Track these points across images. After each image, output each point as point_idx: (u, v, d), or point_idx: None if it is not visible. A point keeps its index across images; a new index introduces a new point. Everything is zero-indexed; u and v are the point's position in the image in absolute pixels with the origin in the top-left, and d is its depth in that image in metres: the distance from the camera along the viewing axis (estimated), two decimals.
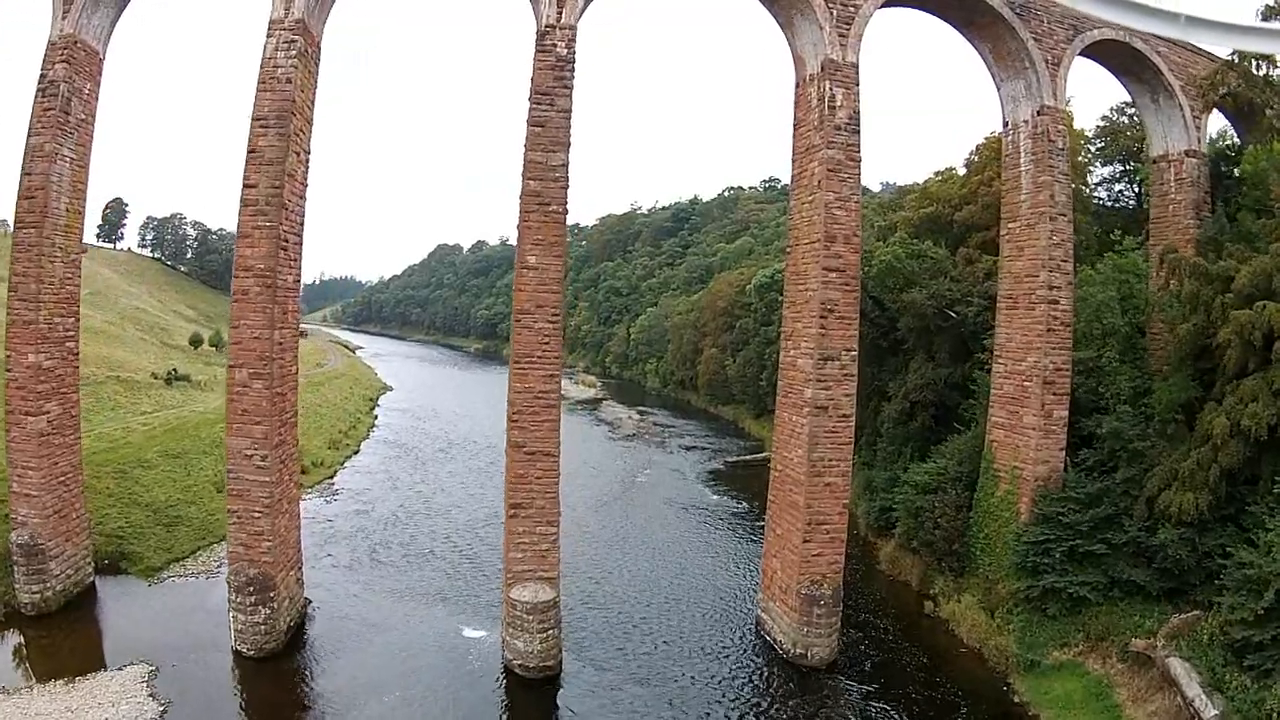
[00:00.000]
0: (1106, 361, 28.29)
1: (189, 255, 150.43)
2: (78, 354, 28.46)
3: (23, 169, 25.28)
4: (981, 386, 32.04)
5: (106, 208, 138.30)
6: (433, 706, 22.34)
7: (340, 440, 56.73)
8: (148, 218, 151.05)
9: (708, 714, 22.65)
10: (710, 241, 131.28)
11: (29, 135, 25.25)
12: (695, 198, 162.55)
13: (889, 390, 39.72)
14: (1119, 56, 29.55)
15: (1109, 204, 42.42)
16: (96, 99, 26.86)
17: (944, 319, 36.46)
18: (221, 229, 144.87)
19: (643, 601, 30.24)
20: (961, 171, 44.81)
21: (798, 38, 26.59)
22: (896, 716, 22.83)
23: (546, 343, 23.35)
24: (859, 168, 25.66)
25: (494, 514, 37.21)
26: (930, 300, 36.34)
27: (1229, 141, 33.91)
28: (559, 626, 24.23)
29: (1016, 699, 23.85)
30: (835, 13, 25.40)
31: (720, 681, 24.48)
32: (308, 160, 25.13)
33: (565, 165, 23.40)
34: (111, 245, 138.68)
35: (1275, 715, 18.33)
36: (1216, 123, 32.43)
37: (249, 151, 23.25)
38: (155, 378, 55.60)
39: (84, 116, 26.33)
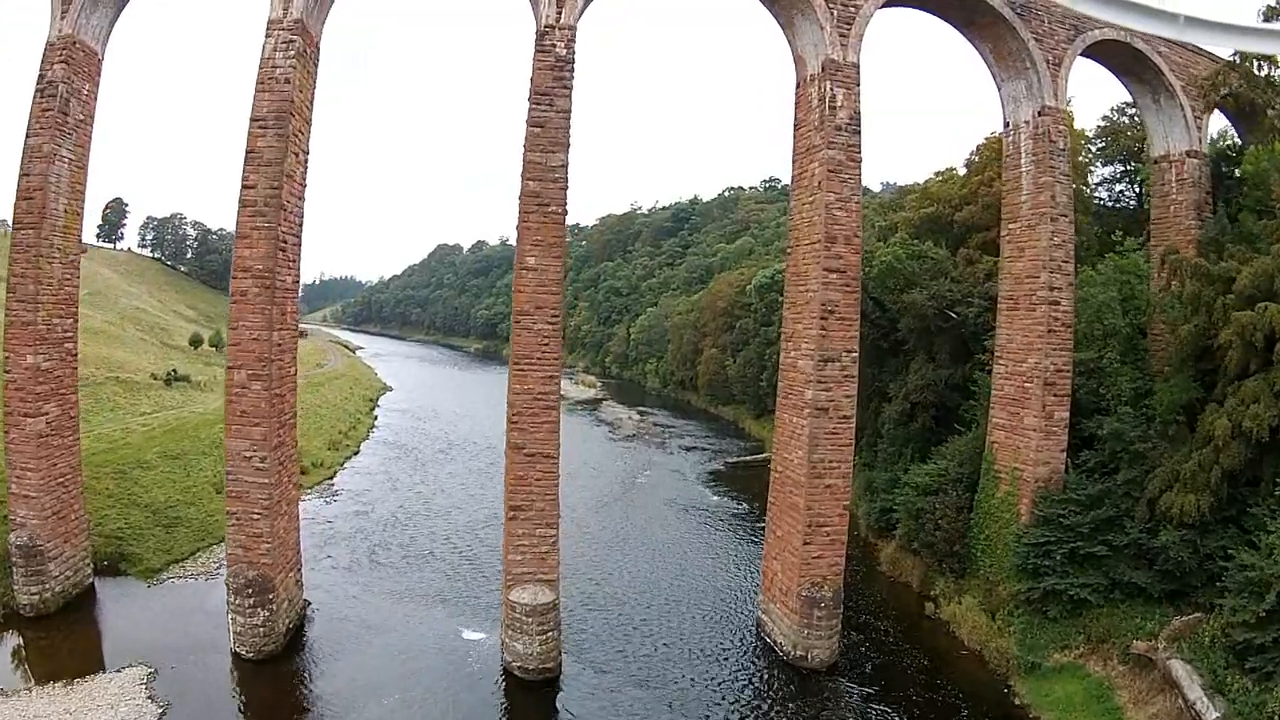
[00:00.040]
0: (1107, 363, 28.23)
1: (189, 255, 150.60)
2: (76, 355, 28.43)
3: (21, 170, 25.25)
4: (982, 387, 31.99)
5: (106, 208, 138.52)
6: (432, 709, 22.29)
7: (340, 441, 56.68)
8: (148, 218, 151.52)
9: (707, 716, 22.60)
10: (710, 241, 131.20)
11: (27, 136, 25.21)
12: (695, 198, 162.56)
13: (889, 391, 39.65)
14: (1120, 57, 29.48)
15: (1110, 204, 42.35)
16: (95, 99, 26.82)
17: (944, 320, 36.40)
18: (221, 229, 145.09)
19: (643, 603, 30.18)
20: (962, 172, 44.75)
21: (798, 38, 26.53)
22: (897, 719, 22.77)
23: (546, 344, 23.29)
24: (860, 168, 25.61)
25: (494, 515, 37.14)
26: (931, 301, 36.27)
27: (1230, 142, 33.84)
28: (558, 629, 24.18)
29: (1017, 701, 23.79)
30: (836, 13, 25.33)
31: (720, 684, 24.41)
32: (306, 161, 25.07)
33: (565, 166, 23.33)
34: (111, 245, 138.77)
35: (1277, 718, 18.31)
36: (1217, 123, 32.39)
37: (247, 152, 23.20)
38: (155, 378, 55.58)
39: (82, 117, 26.28)
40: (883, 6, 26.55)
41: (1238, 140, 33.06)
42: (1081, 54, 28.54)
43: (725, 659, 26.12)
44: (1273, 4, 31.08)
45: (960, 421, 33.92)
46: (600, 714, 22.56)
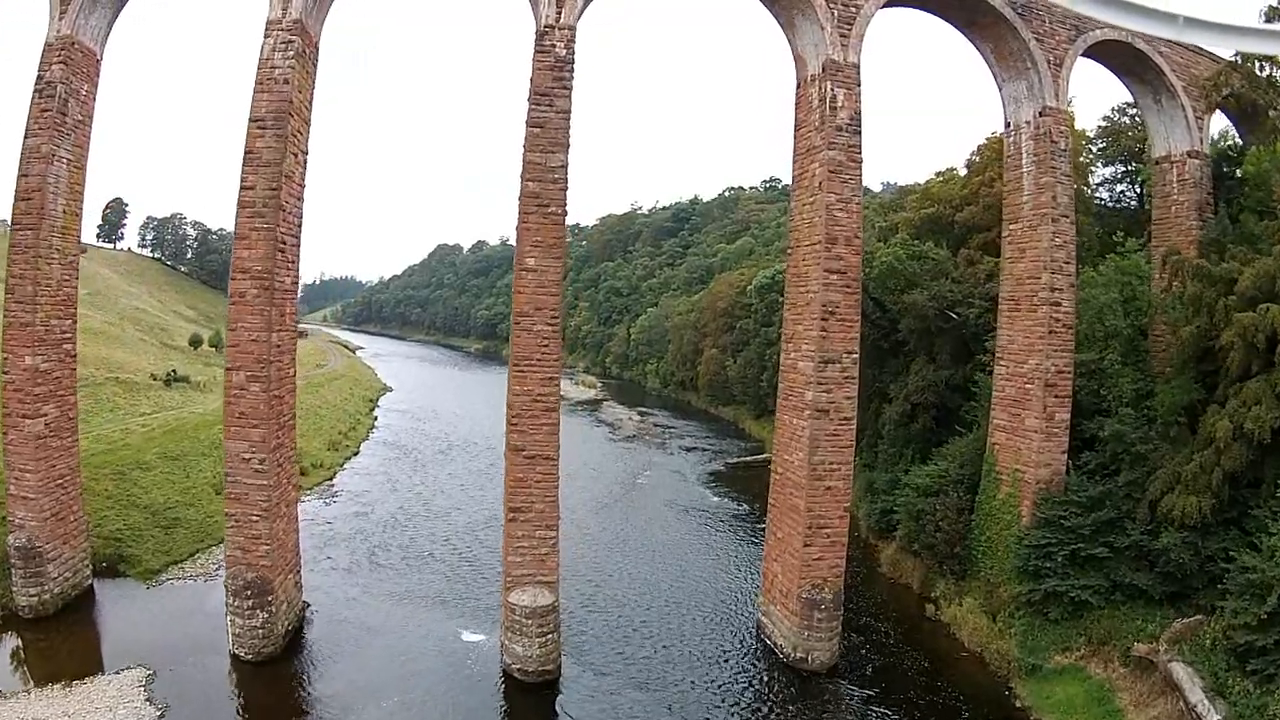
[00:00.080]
0: (1109, 364, 28.17)
1: (189, 255, 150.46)
2: (75, 356, 28.38)
3: (19, 170, 25.20)
4: (983, 389, 31.93)
5: (106, 208, 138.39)
6: (431, 711, 22.24)
7: (340, 441, 56.64)
8: (148, 218, 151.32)
9: (707, 719, 22.53)
10: (711, 242, 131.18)
11: (26, 136, 25.16)
12: (696, 198, 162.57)
13: (890, 392, 39.58)
14: (1121, 57, 29.41)
15: (1110, 205, 42.29)
16: (94, 100, 26.76)
17: (945, 320, 36.33)
18: (221, 229, 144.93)
19: (643, 605, 30.13)
20: (963, 172, 44.68)
21: (799, 38, 26.46)
22: None
23: (546, 345, 23.22)
24: (860, 169, 25.53)
25: (494, 516, 37.06)
26: (931, 302, 36.22)
27: (1230, 142, 33.77)
28: (558, 631, 24.11)
29: (1018, 703, 23.74)
30: (836, 13, 25.25)
31: (720, 686, 24.36)
32: (305, 161, 25.01)
33: (564, 166, 23.27)
34: (111, 245, 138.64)
35: None
36: (1217, 123, 32.33)
37: (246, 153, 23.14)
38: (154, 379, 55.53)
39: (81, 118, 26.23)
40: (883, 6, 26.47)
41: (1239, 141, 32.99)
42: (1083, 54, 28.47)
43: (725, 661, 26.06)
44: (1274, 4, 31.05)
45: (961, 423, 33.87)
46: (600, 716, 22.49)
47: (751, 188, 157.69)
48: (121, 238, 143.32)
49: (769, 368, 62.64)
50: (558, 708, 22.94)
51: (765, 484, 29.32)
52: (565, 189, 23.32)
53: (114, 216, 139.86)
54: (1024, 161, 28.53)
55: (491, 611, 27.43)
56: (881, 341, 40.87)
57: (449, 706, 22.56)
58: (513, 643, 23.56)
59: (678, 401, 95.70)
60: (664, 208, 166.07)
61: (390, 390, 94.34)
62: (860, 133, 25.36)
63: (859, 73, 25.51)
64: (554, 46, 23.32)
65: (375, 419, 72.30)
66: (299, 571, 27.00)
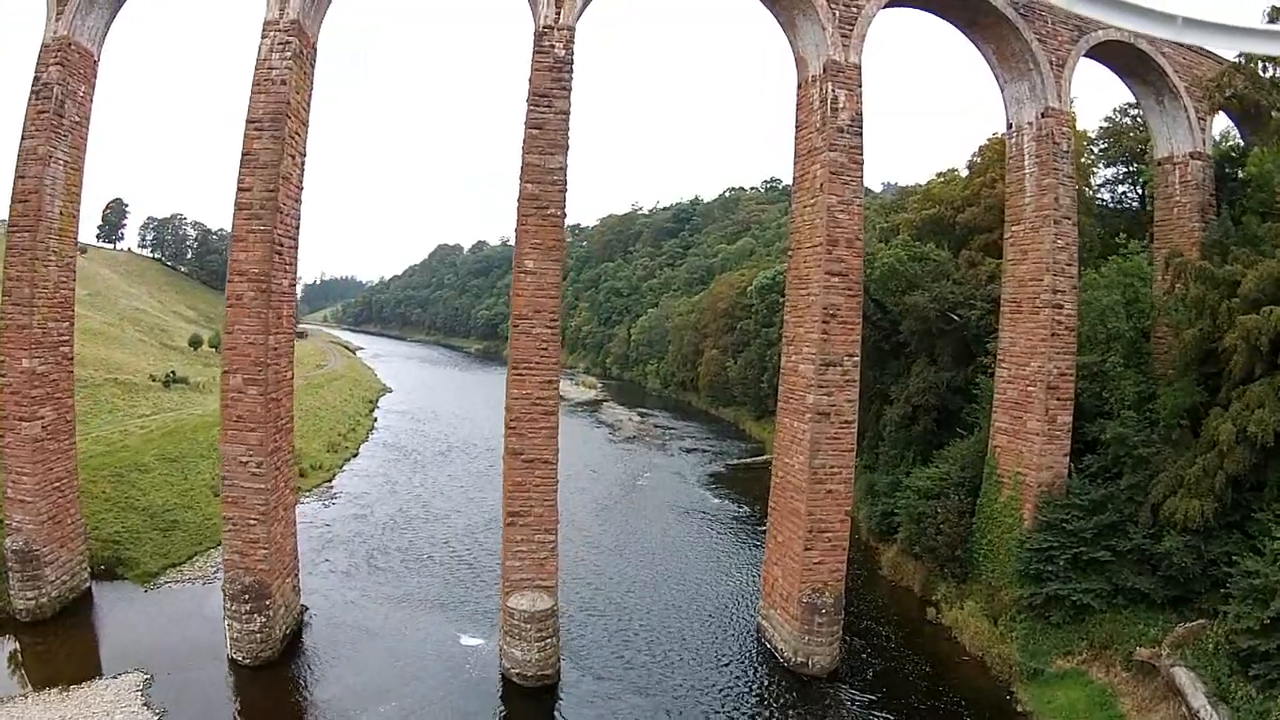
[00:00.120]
0: (1111, 366, 28.03)
1: (189, 255, 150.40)
2: (72, 359, 28.26)
3: (16, 172, 25.11)
4: (984, 391, 31.81)
5: (106, 208, 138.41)
6: (429, 715, 22.15)
7: (339, 443, 56.55)
8: (148, 218, 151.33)
9: None
10: (711, 242, 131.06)
11: (23, 138, 25.07)
12: (696, 198, 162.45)
13: (891, 394, 39.45)
14: (1124, 58, 29.28)
15: (1112, 206, 42.15)
16: (91, 101, 26.65)
17: (947, 322, 36.20)
18: (221, 229, 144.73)
19: (642, 608, 30.01)
20: (964, 173, 44.54)
21: (800, 39, 26.33)
22: None
23: (544, 348, 23.10)
24: (862, 170, 25.41)
25: (493, 519, 36.93)
26: (933, 303, 36.10)
27: (1233, 143, 33.62)
28: (557, 635, 23.99)
29: (1019, 708, 23.63)
30: (838, 13, 25.11)
31: (720, 691, 24.24)
32: (303, 163, 24.90)
33: (563, 168, 23.15)
34: (111, 246, 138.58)
35: None
36: (1218, 123, 32.18)
37: (243, 154, 23.03)
38: (153, 380, 55.44)
39: (78, 119, 26.12)
40: (885, 7, 26.34)
41: (1241, 142, 32.85)
42: (1085, 55, 28.34)
43: (725, 665, 25.94)
44: (1277, 4, 30.90)
45: (962, 425, 33.75)
46: None
47: (752, 188, 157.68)
48: (121, 238, 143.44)
49: (769, 369, 62.52)
50: (557, 713, 22.82)
51: (766, 486, 29.20)
52: (564, 191, 23.20)
53: (114, 217, 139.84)
54: (1026, 163, 28.40)
55: (491, 615, 27.34)
56: (883, 343, 40.75)
57: (447, 711, 22.46)
58: (511, 647, 23.44)
59: (678, 402, 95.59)
60: (664, 208, 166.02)
61: (390, 391, 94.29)
62: (861, 134, 25.23)
63: (860, 73, 25.38)
64: (553, 47, 23.20)
65: (375, 420, 72.22)
66: (297, 575, 26.90)
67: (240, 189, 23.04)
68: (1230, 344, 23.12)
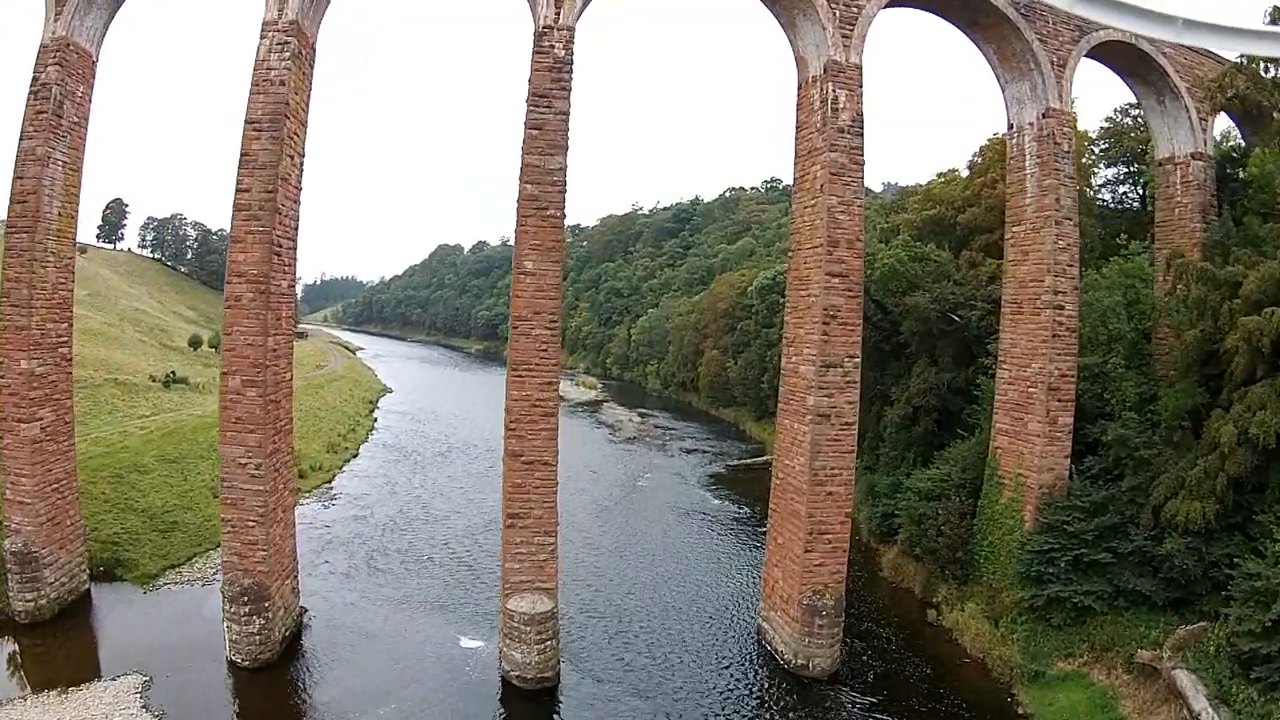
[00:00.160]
0: (1112, 367, 27.94)
1: (189, 256, 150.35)
2: (71, 360, 28.19)
3: (14, 173, 25.04)
4: (985, 392, 31.75)
5: (106, 208, 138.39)
6: (429, 718, 22.08)
7: (339, 444, 56.48)
8: (148, 218, 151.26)
9: None
10: (711, 242, 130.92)
11: (21, 138, 24.98)
12: (696, 198, 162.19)
13: (892, 395, 39.38)
14: (1125, 58, 29.21)
15: (1113, 206, 42.07)
16: (90, 101, 26.59)
17: (947, 323, 36.13)
18: (222, 229, 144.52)
19: (642, 610, 29.93)
20: (964, 173, 44.45)
21: (800, 39, 26.26)
22: None
23: (544, 349, 23.04)
24: (862, 171, 25.34)
25: (493, 520, 36.85)
26: (933, 304, 36.03)
27: (1234, 144, 33.54)
28: (557, 638, 23.91)
29: (1021, 710, 23.56)
30: (838, 13, 25.03)
31: (720, 693, 24.17)
32: (302, 164, 24.83)
33: (563, 169, 23.08)
34: (111, 246, 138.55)
35: None
36: (1219, 124, 32.09)
37: (242, 155, 22.96)
38: (153, 380, 55.36)
39: (77, 119, 26.06)
40: (885, 7, 26.25)
41: (1242, 142, 32.77)
42: (1086, 55, 28.28)
43: (725, 668, 25.87)
44: (1278, 4, 30.88)
45: (963, 426, 33.68)
46: None
47: (752, 188, 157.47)
48: (121, 238, 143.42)
49: (770, 369, 62.45)
50: (556, 715, 22.76)
51: (766, 487, 29.14)
52: (564, 191, 23.12)
53: (114, 217, 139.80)
54: (1027, 163, 28.34)
55: (490, 617, 27.27)
56: (883, 344, 40.68)
57: (447, 713, 22.39)
58: (511, 649, 23.38)
59: (678, 403, 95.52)
60: (665, 208, 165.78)
61: (390, 391, 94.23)
62: (862, 134, 25.14)
63: (861, 74, 25.29)
64: (552, 47, 23.12)
65: (375, 421, 72.15)
66: (296, 577, 26.83)
67: (239, 190, 22.96)
68: (1232, 345, 23.04)
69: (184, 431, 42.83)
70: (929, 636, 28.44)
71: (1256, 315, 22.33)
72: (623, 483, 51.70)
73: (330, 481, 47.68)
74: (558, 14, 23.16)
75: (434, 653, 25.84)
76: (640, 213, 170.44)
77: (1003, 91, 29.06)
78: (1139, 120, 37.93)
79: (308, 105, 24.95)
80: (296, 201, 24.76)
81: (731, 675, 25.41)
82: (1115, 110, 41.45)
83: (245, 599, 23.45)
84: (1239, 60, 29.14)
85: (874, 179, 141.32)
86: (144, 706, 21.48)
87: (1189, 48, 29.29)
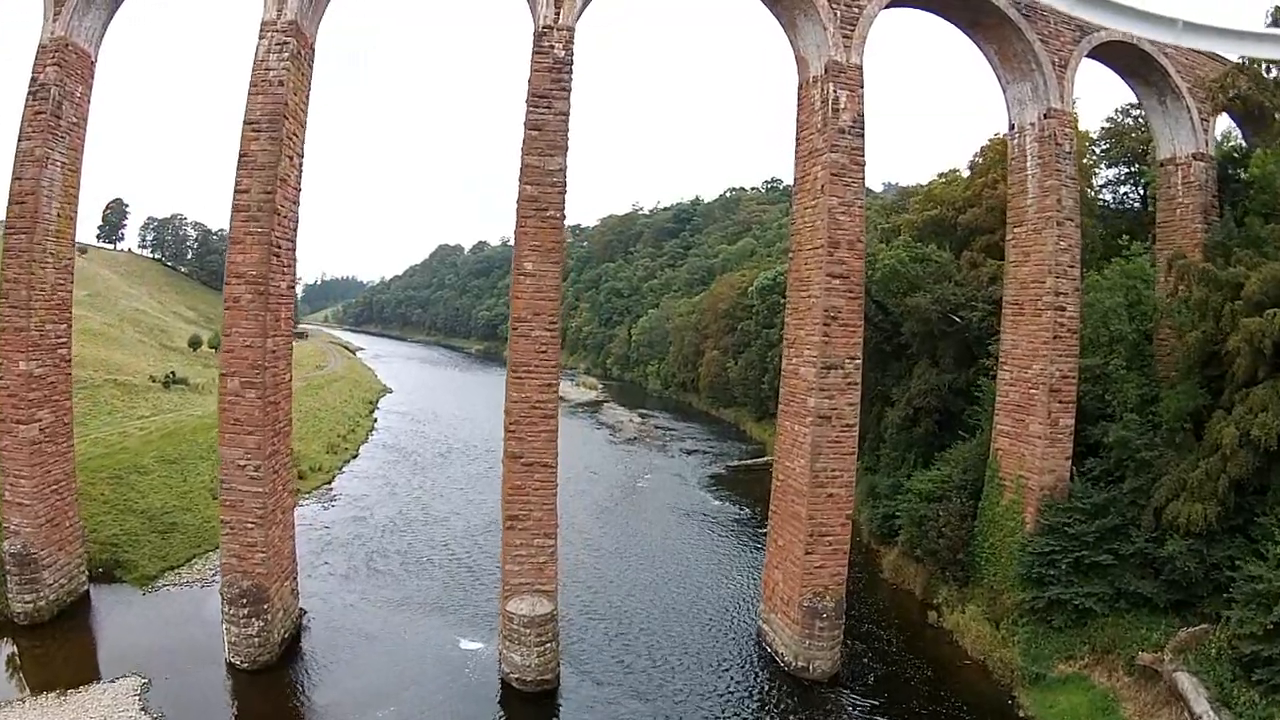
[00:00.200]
0: (1113, 369, 27.85)
1: (189, 256, 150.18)
2: (70, 361, 28.15)
3: (13, 174, 24.98)
4: (986, 393, 31.68)
5: (107, 208, 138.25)
6: None
7: (339, 444, 56.43)
8: (148, 218, 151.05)
9: None
10: (712, 243, 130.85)
11: (19, 139, 24.93)
12: (697, 198, 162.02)
13: (892, 395, 39.31)
14: (1126, 58, 29.14)
15: (1114, 206, 41.97)
16: (89, 102, 26.54)
17: (948, 324, 36.06)
18: (222, 230, 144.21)
19: (643, 612, 29.86)
20: (965, 173, 44.36)
21: (800, 39, 26.19)
22: None
23: (544, 351, 22.98)
24: (863, 172, 25.26)
25: (493, 521, 36.70)
26: (934, 305, 35.95)
27: (1234, 144, 33.45)
28: (556, 640, 23.84)
29: (1021, 713, 23.52)
30: (839, 13, 24.95)
31: (720, 696, 24.10)
32: (301, 164, 24.77)
33: (563, 170, 23.01)
34: (112, 246, 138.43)
35: None
36: (1221, 124, 32.01)
37: (240, 156, 22.90)
38: (153, 381, 55.32)
39: (76, 120, 26.01)
40: (886, 7, 26.16)
41: (1243, 143, 32.68)
42: (1087, 55, 28.20)
43: (726, 670, 25.80)
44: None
45: (964, 427, 33.59)
46: None
47: (753, 188, 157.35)
48: (122, 238, 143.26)
49: (770, 370, 62.35)
50: (556, 718, 22.72)
51: (766, 487, 29.09)
52: (564, 192, 23.06)
53: (114, 217, 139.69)
54: (1028, 164, 28.26)
55: (490, 619, 27.20)
56: (884, 345, 40.62)
57: (447, 716, 22.38)
58: (511, 652, 23.32)
59: (679, 403, 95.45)
60: (665, 208, 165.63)
61: (390, 392, 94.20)
62: (863, 135, 25.07)
63: (862, 74, 25.22)
64: (552, 48, 23.06)
65: (375, 421, 72.10)
66: (295, 578, 26.78)
67: (237, 191, 22.90)
68: (1233, 347, 22.99)
69: (183, 432, 42.82)
70: (930, 638, 28.37)
71: (1258, 317, 22.28)
72: (623, 484, 51.64)
73: (330, 482, 47.62)
74: (557, 14, 23.09)
75: (433, 655, 25.79)
76: (641, 213, 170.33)
77: (1004, 92, 28.98)
78: (1140, 120, 37.82)
79: (307, 106, 24.89)
80: (295, 202, 24.70)
81: (732, 677, 25.35)
82: (1116, 110, 41.34)
83: (244, 601, 23.39)
84: (1241, 61, 29.06)
85: (875, 179, 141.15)
86: (143, 709, 21.44)
87: (1190, 48, 29.22)
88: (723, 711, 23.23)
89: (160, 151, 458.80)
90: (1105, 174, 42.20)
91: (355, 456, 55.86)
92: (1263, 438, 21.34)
